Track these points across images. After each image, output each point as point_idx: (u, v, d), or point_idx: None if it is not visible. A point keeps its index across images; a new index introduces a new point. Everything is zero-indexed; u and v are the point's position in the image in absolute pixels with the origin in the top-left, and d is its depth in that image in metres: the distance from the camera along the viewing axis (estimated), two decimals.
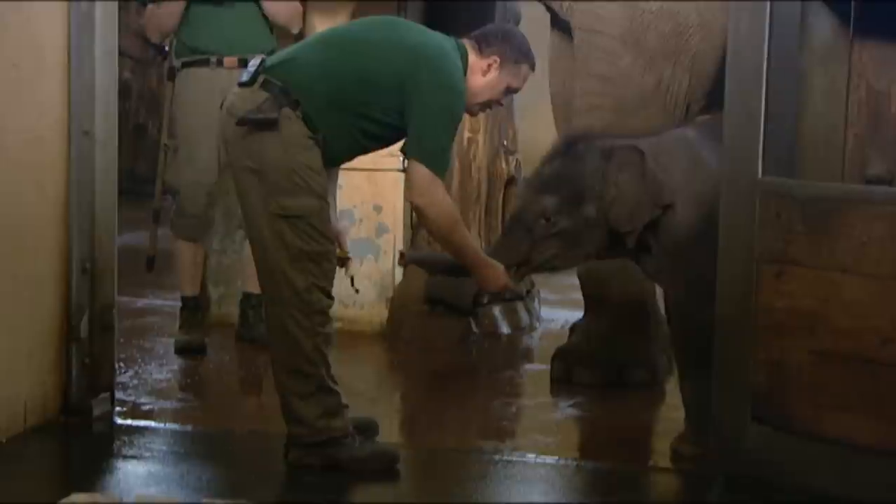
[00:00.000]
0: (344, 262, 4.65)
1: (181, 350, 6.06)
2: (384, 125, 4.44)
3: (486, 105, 4.65)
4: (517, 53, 4.58)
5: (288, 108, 4.37)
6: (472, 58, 4.54)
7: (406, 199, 4.48)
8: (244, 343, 6.23)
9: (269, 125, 4.36)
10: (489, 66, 4.54)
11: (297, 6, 6.22)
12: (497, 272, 4.52)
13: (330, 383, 4.48)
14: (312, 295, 4.42)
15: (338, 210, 4.79)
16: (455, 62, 4.47)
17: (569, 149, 4.51)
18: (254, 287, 6.14)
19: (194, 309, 6.21)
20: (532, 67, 4.63)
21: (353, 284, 4.67)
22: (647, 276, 4.59)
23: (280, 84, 4.39)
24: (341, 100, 4.40)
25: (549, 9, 5.91)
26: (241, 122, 4.37)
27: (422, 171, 4.38)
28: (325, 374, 4.46)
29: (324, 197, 4.43)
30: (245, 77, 4.45)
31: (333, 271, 4.49)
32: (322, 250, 4.43)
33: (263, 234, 4.41)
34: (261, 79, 4.43)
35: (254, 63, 4.48)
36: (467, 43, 4.57)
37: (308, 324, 4.42)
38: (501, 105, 4.81)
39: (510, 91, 4.64)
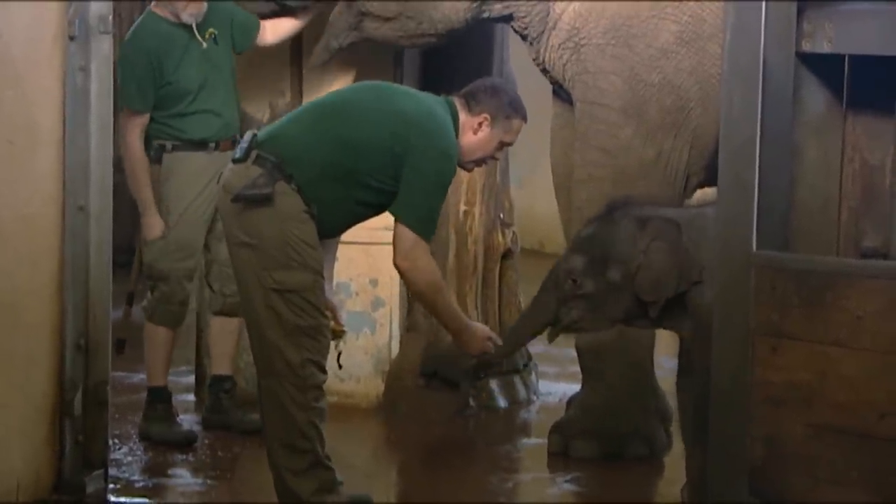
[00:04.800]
0: (339, 336, 4.64)
1: (177, 445, 5.82)
2: (378, 192, 4.45)
3: (481, 161, 4.66)
4: (508, 108, 4.59)
5: (282, 182, 4.38)
6: (463, 116, 4.55)
7: (394, 261, 4.46)
8: (215, 430, 5.97)
9: (265, 201, 4.37)
10: (480, 123, 4.56)
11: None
12: (476, 336, 4.52)
13: (324, 459, 4.46)
14: (306, 370, 4.41)
15: (334, 283, 4.78)
16: (446, 124, 4.48)
17: (608, 213, 4.51)
18: (222, 368, 6.03)
19: (169, 400, 5.94)
20: (524, 120, 4.63)
21: (339, 360, 4.63)
22: (683, 340, 4.55)
23: (273, 158, 4.40)
24: (334, 169, 4.41)
25: (552, 81, 5.95)
26: (237, 198, 4.38)
27: (407, 234, 4.40)
28: (319, 449, 4.45)
29: (319, 271, 4.44)
30: (238, 153, 4.47)
31: (328, 346, 4.49)
32: (316, 324, 4.43)
33: (258, 308, 4.41)
34: (253, 154, 4.44)
35: (246, 138, 4.49)
36: (457, 101, 4.58)
37: (302, 399, 4.41)
38: (496, 160, 4.82)
39: (503, 146, 4.65)
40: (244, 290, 4.47)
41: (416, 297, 4.65)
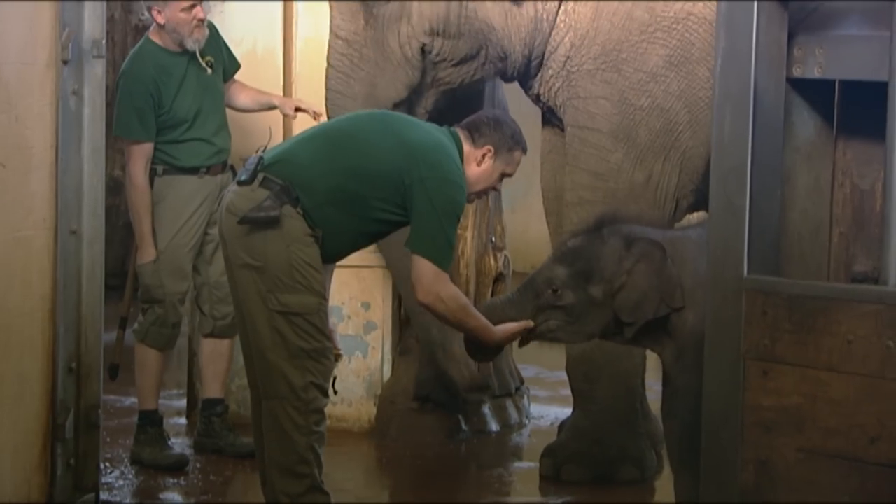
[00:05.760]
0: (335, 359, 4.64)
1: (168, 469, 5.83)
2: (382, 221, 4.48)
3: (482, 192, 4.69)
4: (510, 141, 4.63)
5: (289, 206, 4.40)
6: (467, 147, 4.58)
7: (418, 298, 4.46)
8: (207, 453, 5.98)
9: (272, 223, 4.37)
10: (483, 155, 4.59)
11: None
12: (514, 338, 4.45)
13: (321, 485, 4.46)
14: (309, 393, 4.41)
15: (329, 307, 4.79)
16: (452, 155, 4.50)
17: (598, 227, 4.51)
18: (213, 391, 6.02)
19: (160, 423, 5.94)
20: (524, 151, 4.67)
21: (333, 385, 4.63)
22: (664, 364, 4.56)
23: (280, 181, 4.42)
24: (342, 196, 4.43)
25: (542, 106, 5.97)
26: (244, 220, 4.39)
27: (427, 268, 4.40)
28: (317, 474, 4.45)
29: (323, 294, 4.46)
30: (244, 175, 4.47)
31: (331, 370, 4.50)
32: (321, 347, 4.44)
33: (261, 331, 4.41)
34: (260, 176, 4.45)
35: (252, 160, 4.50)
36: (460, 132, 4.60)
37: (304, 422, 4.41)
38: (497, 191, 4.85)
39: (504, 176, 4.68)
40: (246, 312, 4.47)
41: (446, 325, 4.64)
